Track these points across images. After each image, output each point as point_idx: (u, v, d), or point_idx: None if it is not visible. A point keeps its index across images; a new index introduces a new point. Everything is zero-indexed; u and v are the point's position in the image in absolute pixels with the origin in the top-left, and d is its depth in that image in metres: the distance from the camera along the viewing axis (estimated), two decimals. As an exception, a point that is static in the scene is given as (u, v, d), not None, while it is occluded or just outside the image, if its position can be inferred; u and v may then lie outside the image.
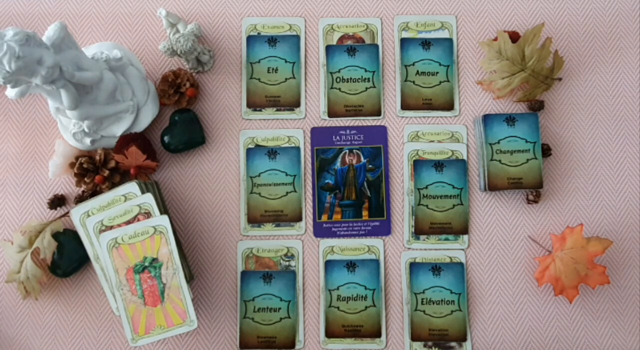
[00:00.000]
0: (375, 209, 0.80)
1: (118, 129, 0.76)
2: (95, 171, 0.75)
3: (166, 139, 0.78)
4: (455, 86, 0.82)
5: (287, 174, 0.80)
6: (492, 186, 0.78)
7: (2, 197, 0.79)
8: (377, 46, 0.83)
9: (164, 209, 0.75)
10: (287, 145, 0.81)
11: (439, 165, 0.80)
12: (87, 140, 0.76)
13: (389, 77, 0.82)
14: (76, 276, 0.78)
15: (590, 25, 0.84)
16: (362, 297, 0.78)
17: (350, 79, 0.82)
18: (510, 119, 0.78)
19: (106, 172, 0.74)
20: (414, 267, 0.78)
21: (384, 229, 0.79)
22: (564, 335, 0.78)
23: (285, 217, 0.79)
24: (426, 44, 0.83)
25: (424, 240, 0.79)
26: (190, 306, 0.67)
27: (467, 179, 0.80)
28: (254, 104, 0.81)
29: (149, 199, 0.69)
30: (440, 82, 0.82)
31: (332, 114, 0.81)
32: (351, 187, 0.80)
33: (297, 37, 0.83)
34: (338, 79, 0.82)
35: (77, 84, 0.67)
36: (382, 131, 0.81)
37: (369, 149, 0.81)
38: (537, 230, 0.80)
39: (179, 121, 0.78)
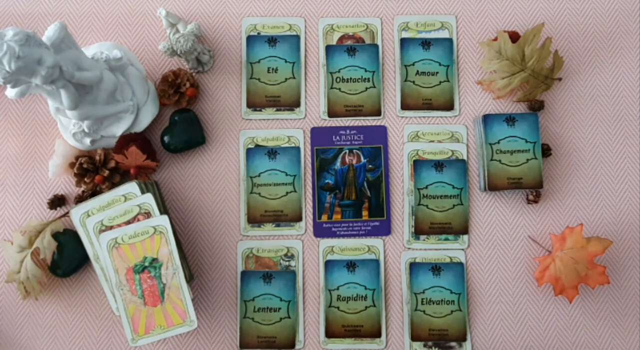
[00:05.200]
0: (375, 209, 0.80)
1: (118, 129, 0.76)
2: (95, 171, 0.75)
3: (166, 139, 0.78)
4: (455, 86, 0.82)
5: (287, 174, 0.80)
6: (492, 186, 0.78)
7: (2, 197, 0.79)
8: (377, 46, 0.83)
9: (164, 209, 0.75)
10: (287, 145, 0.81)
11: (439, 165, 0.80)
12: (87, 140, 0.76)
13: (389, 77, 0.82)
14: (76, 276, 0.78)
15: (590, 25, 0.84)
16: (362, 297, 0.78)
17: (350, 79, 0.82)
18: (510, 119, 0.78)
19: (106, 172, 0.74)
20: (414, 267, 0.78)
21: (384, 229, 0.80)
22: (564, 335, 0.78)
23: (285, 217, 0.79)
24: (426, 44, 0.83)
25: (424, 240, 0.79)
26: (190, 306, 0.67)
27: (467, 179, 0.80)
28: (254, 104, 0.81)
29: (149, 199, 0.69)
30: (440, 82, 0.82)
31: (332, 114, 0.81)
32: (351, 187, 0.80)
33: (297, 37, 0.83)
34: (338, 79, 0.82)
35: (77, 84, 0.67)
36: (382, 131, 0.81)
37: (369, 149, 0.81)
38: (537, 230, 0.80)
39: (179, 121, 0.78)
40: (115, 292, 0.68)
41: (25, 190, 0.79)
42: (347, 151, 0.81)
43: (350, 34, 0.83)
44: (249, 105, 0.81)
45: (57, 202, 0.77)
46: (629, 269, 0.79)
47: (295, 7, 0.84)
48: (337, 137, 0.81)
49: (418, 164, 0.80)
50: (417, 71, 0.82)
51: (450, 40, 0.83)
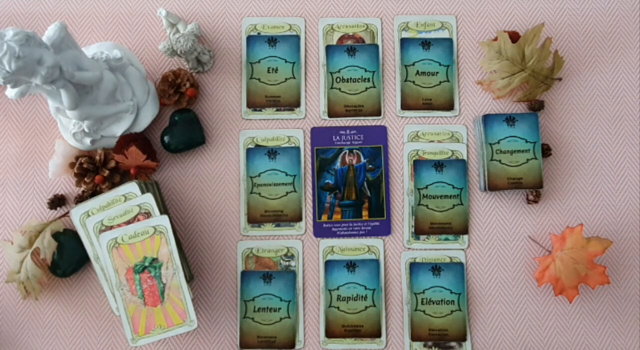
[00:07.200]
0: (375, 209, 0.80)
1: (118, 129, 0.76)
2: (95, 171, 0.75)
3: (166, 139, 0.78)
4: (455, 86, 0.82)
5: (287, 174, 0.80)
6: (492, 186, 0.78)
7: (2, 197, 0.79)
8: (377, 46, 0.83)
9: (164, 209, 0.75)
10: (287, 145, 0.81)
11: (439, 165, 0.80)
12: (87, 140, 0.76)
13: (389, 77, 0.82)
14: (76, 276, 0.78)
15: (590, 25, 0.84)
16: (362, 297, 0.78)
17: (350, 79, 0.82)
18: (510, 119, 0.78)
19: (106, 172, 0.74)
20: (414, 267, 0.78)
21: (384, 229, 0.80)
22: (564, 335, 0.78)
23: (285, 217, 0.79)
24: (426, 44, 0.83)
25: (424, 240, 0.79)
26: (190, 306, 0.67)
27: (467, 179, 0.80)
28: (254, 104, 0.81)
29: (149, 199, 0.69)
30: (440, 82, 0.82)
31: (332, 114, 0.81)
32: (351, 187, 0.80)
33: (297, 37, 0.83)
34: (338, 79, 0.82)
35: (77, 84, 0.67)
36: (382, 131, 0.81)
37: (369, 149, 0.81)
38: (537, 230, 0.80)
39: (179, 121, 0.78)
40: (115, 292, 0.68)
41: (25, 190, 0.79)
42: (347, 151, 0.81)
43: (350, 34, 0.83)
44: (249, 105, 0.81)
45: (57, 202, 0.77)
46: (629, 269, 0.79)
47: (295, 7, 0.84)
48: (337, 137, 0.81)
49: (418, 164, 0.80)
50: (417, 71, 0.82)
51: (450, 40, 0.83)
